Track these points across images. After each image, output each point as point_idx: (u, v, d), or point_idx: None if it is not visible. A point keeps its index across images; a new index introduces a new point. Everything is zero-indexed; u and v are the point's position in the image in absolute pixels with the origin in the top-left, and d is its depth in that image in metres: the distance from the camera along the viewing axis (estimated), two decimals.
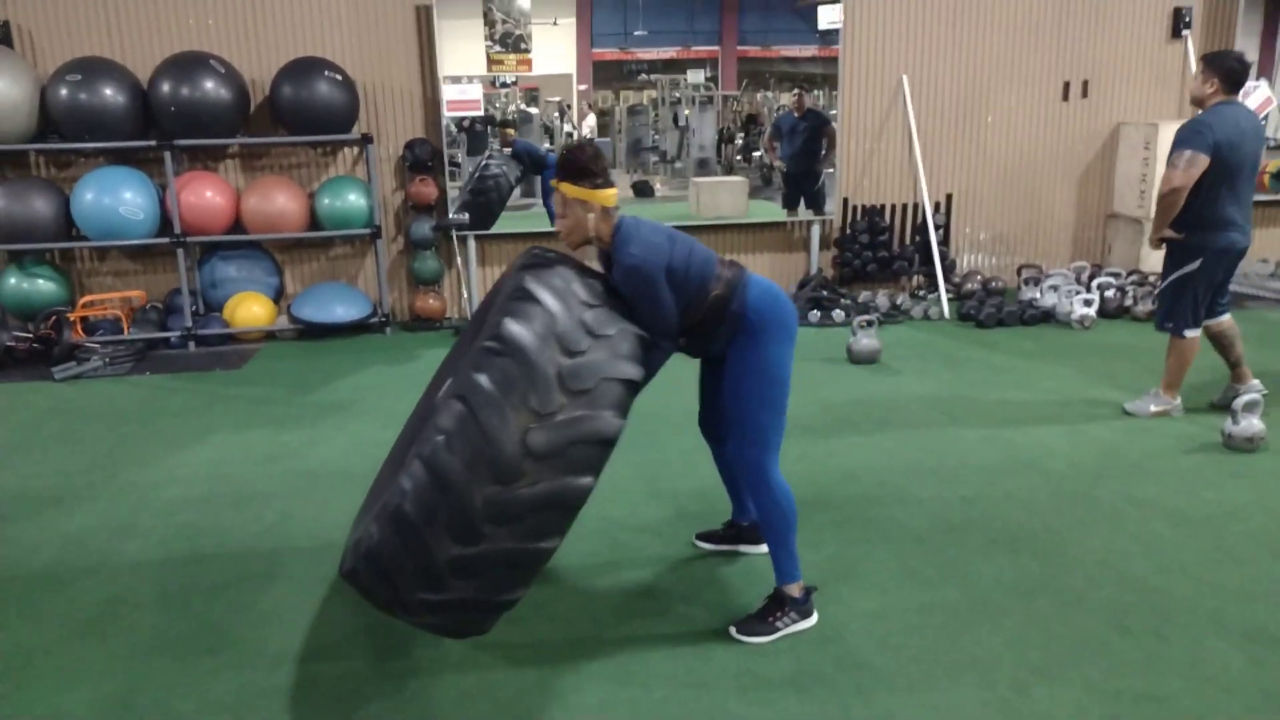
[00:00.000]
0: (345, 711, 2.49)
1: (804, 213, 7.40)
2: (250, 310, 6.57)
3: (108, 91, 6.05)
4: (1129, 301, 6.80)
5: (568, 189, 2.68)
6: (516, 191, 7.09)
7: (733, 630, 2.81)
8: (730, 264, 2.83)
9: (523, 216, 7.12)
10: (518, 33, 7.02)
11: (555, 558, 3.28)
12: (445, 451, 2.31)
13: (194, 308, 6.62)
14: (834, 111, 7.20)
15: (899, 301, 7.06)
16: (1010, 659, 2.65)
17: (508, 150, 7.00)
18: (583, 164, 2.66)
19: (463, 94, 6.65)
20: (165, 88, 6.10)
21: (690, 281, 2.70)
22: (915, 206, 7.48)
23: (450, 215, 6.79)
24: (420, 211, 6.82)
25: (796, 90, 7.26)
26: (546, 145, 7.24)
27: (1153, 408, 4.62)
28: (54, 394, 5.48)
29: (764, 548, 3.34)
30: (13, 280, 6.39)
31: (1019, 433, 4.45)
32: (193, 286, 6.67)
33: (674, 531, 3.50)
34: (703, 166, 7.56)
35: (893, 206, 7.51)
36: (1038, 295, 6.90)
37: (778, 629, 2.80)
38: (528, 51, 6.98)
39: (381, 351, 6.27)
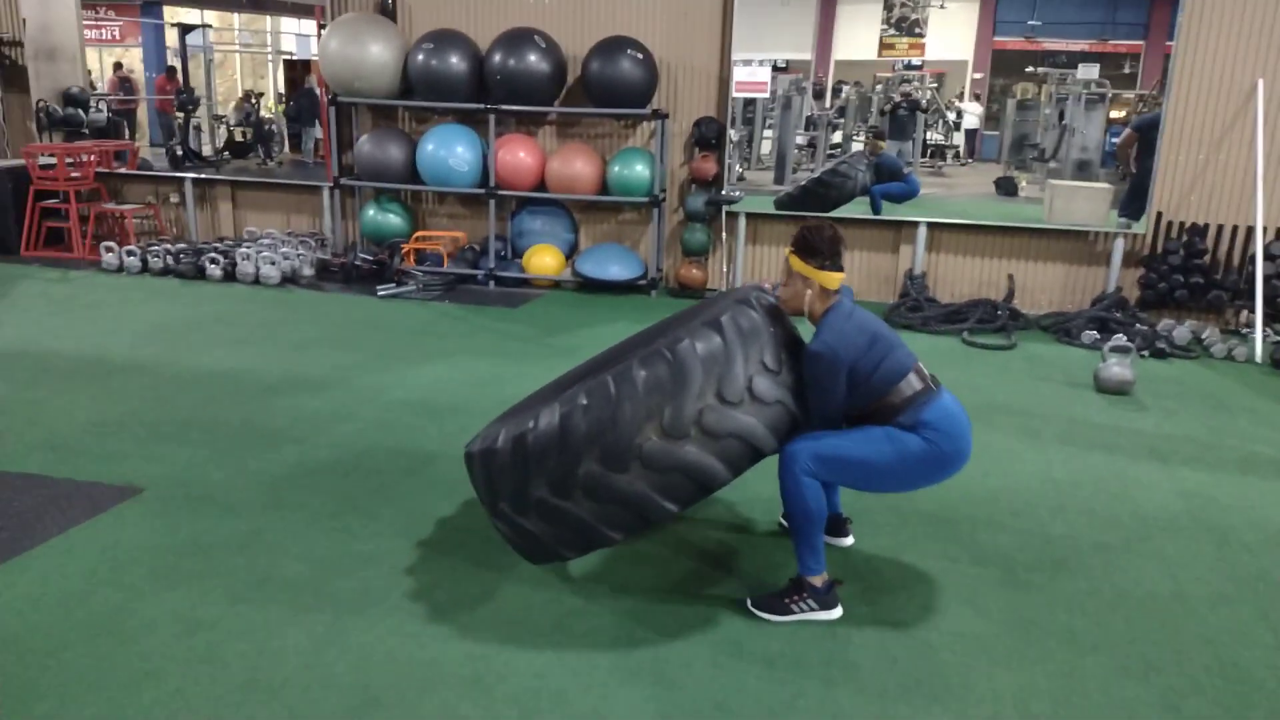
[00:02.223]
0: (399, 582, 2.97)
1: (1115, 222, 6.72)
2: (543, 260, 7.39)
3: (453, 59, 7.10)
4: None
5: (795, 262, 2.84)
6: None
7: (749, 603, 2.90)
8: (926, 380, 2.81)
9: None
10: (914, 16, 7.01)
11: None
12: (579, 414, 2.66)
13: (502, 252, 7.59)
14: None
15: (1204, 336, 6.20)
16: (1006, 701, 2.48)
17: (874, 158, 7.14)
18: (815, 243, 2.80)
19: (752, 75, 6.89)
20: (496, 58, 7.03)
21: (870, 385, 2.75)
22: (1250, 231, 6.47)
23: (724, 191, 7.10)
24: (700, 185, 7.21)
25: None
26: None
27: None
28: (370, 307, 6.66)
29: (848, 540, 3.34)
30: (371, 212, 7.77)
31: (1230, 494, 3.86)
32: (504, 234, 7.65)
33: (776, 509, 3.58)
34: (1082, 169, 6.88)
35: (1220, 228, 6.55)
36: None
37: (793, 612, 2.83)
38: (921, 36, 6.91)
39: (638, 311, 6.77)
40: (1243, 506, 3.75)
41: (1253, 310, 6.35)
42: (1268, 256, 6.31)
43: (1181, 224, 6.62)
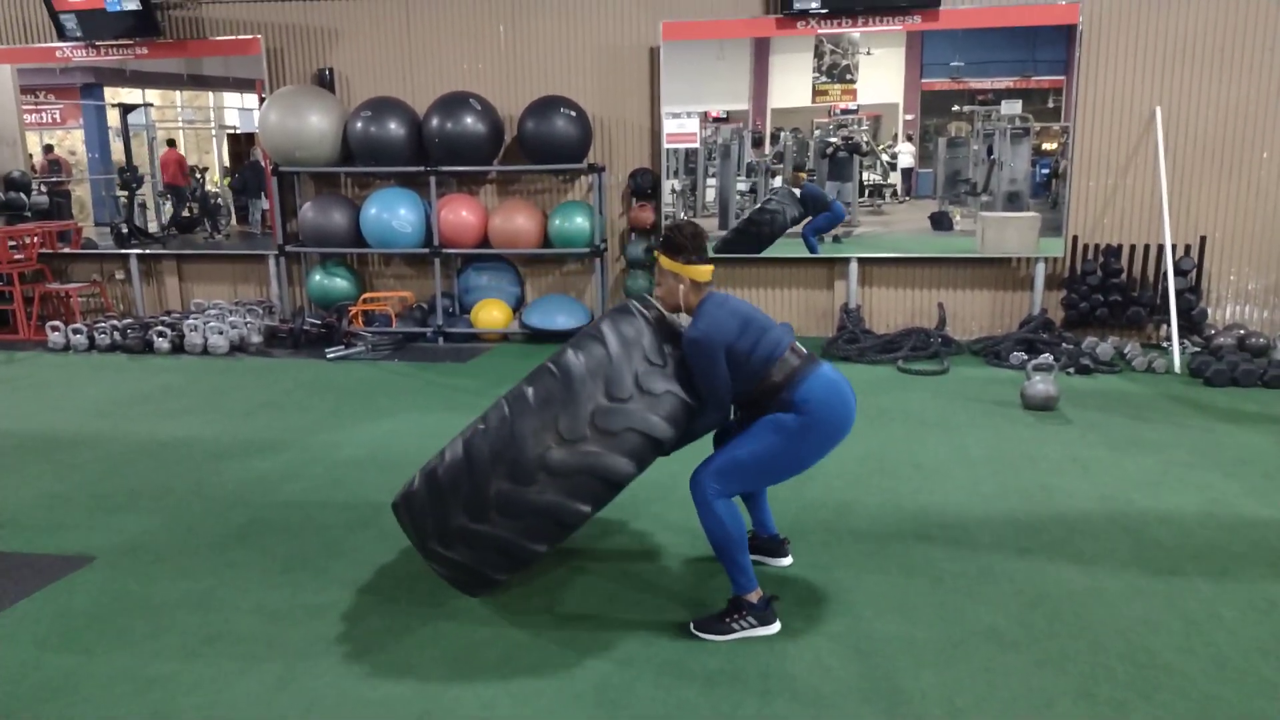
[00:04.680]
0: (349, 630, 3.05)
1: (1046, 249, 7.00)
2: (490, 314, 7.54)
3: (391, 125, 7.30)
4: None
5: (665, 261, 3.06)
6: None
7: (691, 626, 3.02)
8: (804, 356, 3.00)
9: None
10: (844, 63, 7.30)
11: (595, 538, 3.68)
12: (480, 439, 2.84)
13: (450, 309, 7.72)
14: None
15: (1126, 350, 6.49)
16: (932, 699, 2.62)
17: (798, 191, 7.37)
18: (679, 242, 3.03)
19: (681, 127, 7.16)
20: (434, 122, 7.23)
21: (750, 365, 2.94)
22: (1160, 249, 6.82)
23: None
24: (639, 234, 7.43)
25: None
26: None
27: None
28: (318, 370, 6.74)
29: (786, 560, 3.47)
30: (318, 277, 7.88)
31: (1145, 496, 4.07)
32: (450, 291, 7.79)
33: None
34: (1013, 200, 7.17)
35: (1133, 247, 6.89)
36: None
37: (734, 630, 2.96)
38: (853, 82, 7.23)
39: None
40: (1157, 506, 3.96)
41: (1169, 324, 6.66)
42: (1178, 272, 6.65)
43: (1097, 246, 6.95)
